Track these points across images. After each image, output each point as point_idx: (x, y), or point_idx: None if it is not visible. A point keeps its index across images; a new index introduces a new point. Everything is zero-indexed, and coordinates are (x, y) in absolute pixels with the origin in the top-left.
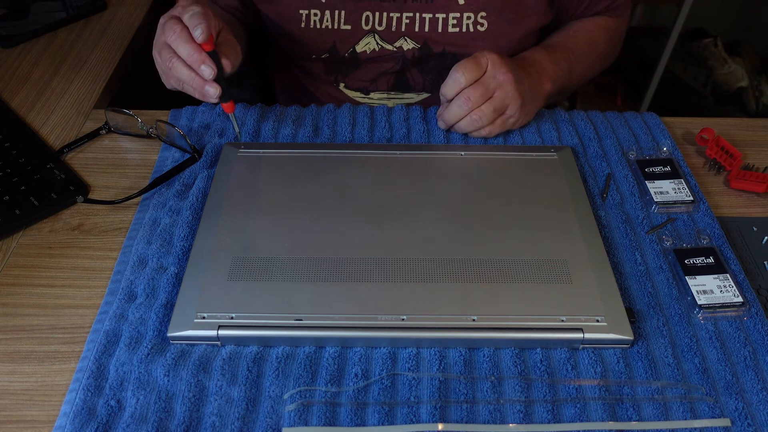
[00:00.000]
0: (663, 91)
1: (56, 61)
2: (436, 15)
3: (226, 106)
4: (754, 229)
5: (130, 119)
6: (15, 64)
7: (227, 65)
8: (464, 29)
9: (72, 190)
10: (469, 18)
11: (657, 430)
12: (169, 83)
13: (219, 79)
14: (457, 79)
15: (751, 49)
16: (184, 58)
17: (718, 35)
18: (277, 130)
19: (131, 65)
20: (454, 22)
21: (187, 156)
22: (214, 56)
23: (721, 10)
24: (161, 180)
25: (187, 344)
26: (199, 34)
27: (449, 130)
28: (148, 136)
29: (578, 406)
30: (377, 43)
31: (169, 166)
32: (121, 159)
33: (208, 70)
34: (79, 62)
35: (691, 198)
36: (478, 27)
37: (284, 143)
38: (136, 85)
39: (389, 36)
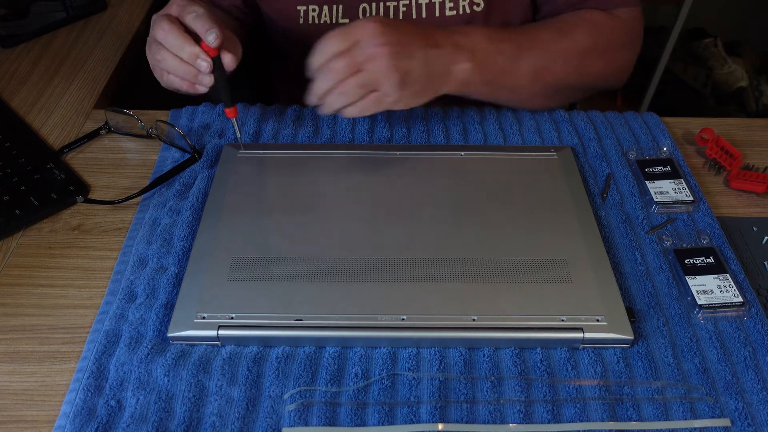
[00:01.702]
0: (663, 91)
1: (56, 61)
2: (432, 0)
3: (229, 111)
4: (754, 229)
5: (130, 119)
6: (15, 64)
7: (232, 61)
8: (461, 11)
9: (72, 190)
10: None
11: (657, 430)
12: (162, 80)
13: (222, 82)
14: (322, 49)
15: (751, 49)
16: (178, 54)
17: (718, 35)
18: (277, 130)
19: (131, 65)
20: (451, 5)
21: (187, 156)
22: (217, 61)
23: (721, 10)
24: (161, 180)
25: (187, 344)
26: (213, 39)
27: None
28: (148, 136)
29: (578, 406)
30: None
31: (169, 166)
32: (121, 159)
33: (204, 64)
34: (79, 62)
35: (691, 198)
36: (475, 7)
37: (284, 144)
38: (136, 85)
39: None
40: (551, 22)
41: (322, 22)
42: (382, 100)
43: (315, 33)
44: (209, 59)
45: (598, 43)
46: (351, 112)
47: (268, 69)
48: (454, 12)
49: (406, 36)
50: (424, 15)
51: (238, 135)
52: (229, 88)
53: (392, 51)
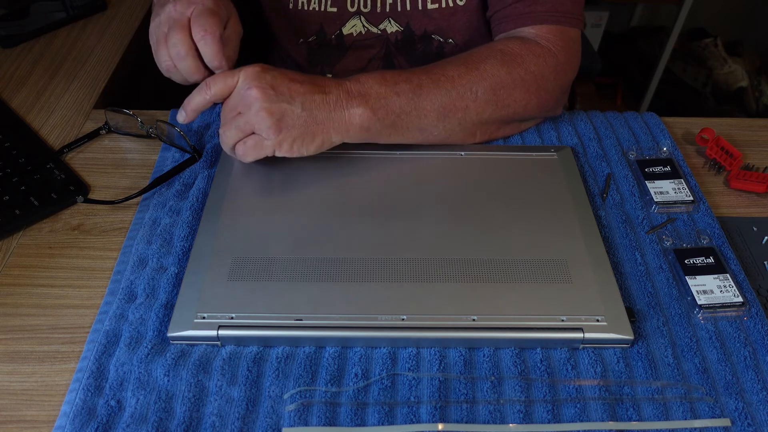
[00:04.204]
0: (663, 91)
1: (56, 61)
2: None
3: None
4: (754, 229)
5: (130, 119)
6: (15, 64)
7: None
8: (443, 4)
9: (72, 190)
10: None
11: (657, 430)
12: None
13: None
14: (201, 90)
15: (751, 49)
16: (188, 77)
17: (718, 35)
18: None
19: (131, 65)
20: None
21: (187, 156)
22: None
23: (721, 10)
24: (161, 180)
25: (187, 344)
26: (216, 66)
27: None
28: (148, 136)
29: (578, 406)
30: (363, 26)
31: (169, 166)
32: (121, 159)
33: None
34: (79, 62)
35: (691, 198)
36: (457, 1)
37: None
38: (136, 85)
39: (374, 17)
40: (460, 57)
41: (311, 8)
42: (262, 143)
43: (304, 18)
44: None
45: (512, 74)
46: (237, 154)
47: (261, 53)
48: (436, 6)
49: (284, 81)
50: (408, 7)
51: None
52: None
53: (264, 94)
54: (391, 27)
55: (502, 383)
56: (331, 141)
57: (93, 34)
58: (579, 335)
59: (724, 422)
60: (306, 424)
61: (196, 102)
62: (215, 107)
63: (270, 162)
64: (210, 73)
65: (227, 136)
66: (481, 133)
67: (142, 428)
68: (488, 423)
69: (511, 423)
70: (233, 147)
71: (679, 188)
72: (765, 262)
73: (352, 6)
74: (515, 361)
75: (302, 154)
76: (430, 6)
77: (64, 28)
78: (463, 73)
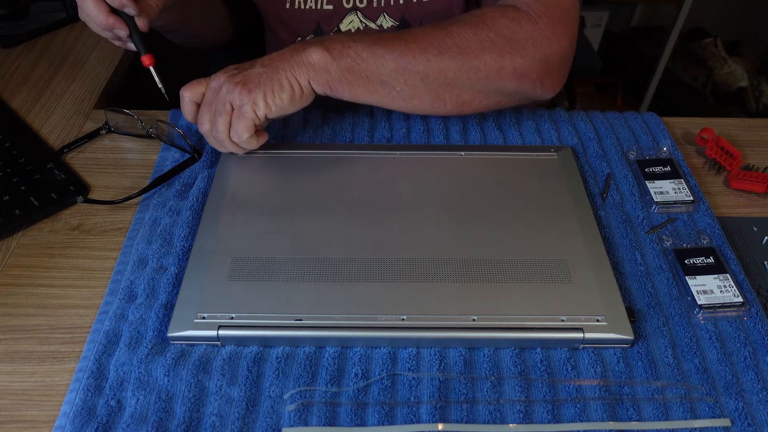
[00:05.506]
0: (663, 91)
1: (56, 61)
2: None
3: (144, 59)
4: (754, 229)
5: (130, 119)
6: (15, 64)
7: (143, 25)
8: None
9: (72, 190)
10: None
11: (657, 430)
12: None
13: (133, 33)
14: (182, 100)
15: (751, 49)
16: (96, 21)
17: (718, 35)
18: (277, 130)
19: (131, 65)
20: None
21: (187, 156)
22: (129, 18)
23: (721, 10)
24: (161, 180)
25: (187, 344)
26: (117, 4)
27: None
28: (148, 136)
29: (578, 406)
30: (360, 21)
31: (169, 166)
32: (121, 159)
33: (122, 32)
34: (79, 62)
35: (691, 198)
36: None
37: (284, 143)
38: (136, 85)
39: (371, 13)
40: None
41: (307, 7)
42: (241, 111)
43: (301, 17)
44: (125, 28)
45: (480, 35)
46: (234, 140)
47: (260, 53)
48: None
49: (245, 63)
50: (402, 1)
51: (160, 86)
52: (141, 36)
53: (228, 75)
54: (386, 22)
55: (502, 383)
56: (299, 84)
57: (93, 34)
58: (579, 335)
59: (724, 422)
60: (306, 424)
61: (186, 112)
62: None
63: (270, 162)
64: (121, 20)
65: (220, 131)
66: (451, 99)
67: (142, 428)
68: (488, 423)
69: (511, 423)
70: (229, 138)
71: (679, 188)
72: (765, 262)
73: (348, 2)
74: (515, 361)
75: (283, 108)
76: None
77: (64, 28)
78: (428, 31)
